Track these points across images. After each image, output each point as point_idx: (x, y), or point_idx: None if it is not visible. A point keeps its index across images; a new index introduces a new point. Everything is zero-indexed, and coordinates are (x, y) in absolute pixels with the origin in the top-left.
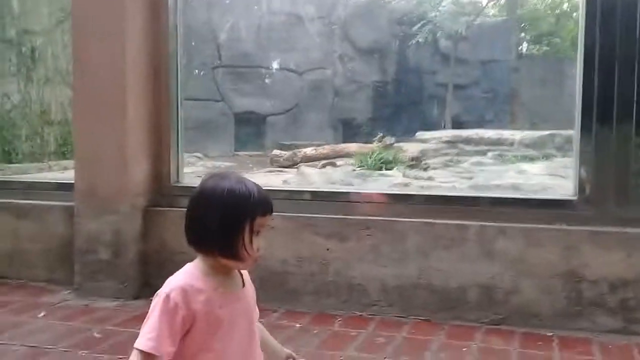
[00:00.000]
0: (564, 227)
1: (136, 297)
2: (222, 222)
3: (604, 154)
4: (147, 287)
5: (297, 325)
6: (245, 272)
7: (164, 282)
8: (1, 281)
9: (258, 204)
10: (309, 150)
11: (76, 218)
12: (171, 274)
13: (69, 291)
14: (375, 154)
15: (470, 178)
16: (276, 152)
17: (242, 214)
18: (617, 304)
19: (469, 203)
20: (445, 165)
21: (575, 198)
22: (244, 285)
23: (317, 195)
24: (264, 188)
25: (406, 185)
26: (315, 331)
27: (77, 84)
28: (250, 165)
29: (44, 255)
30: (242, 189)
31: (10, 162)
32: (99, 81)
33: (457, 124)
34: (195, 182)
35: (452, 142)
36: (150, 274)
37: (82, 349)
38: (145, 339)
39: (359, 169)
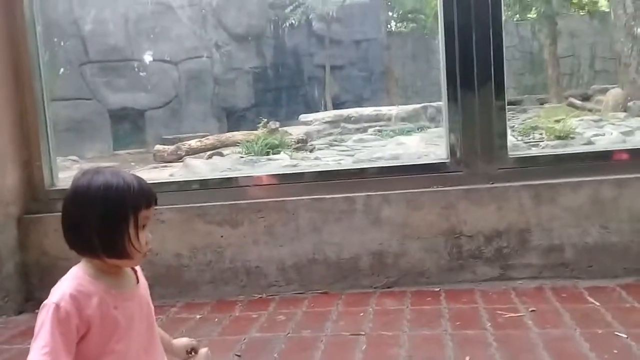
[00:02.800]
0: (441, 188)
1: (19, 312)
2: (103, 221)
3: (470, 118)
4: (31, 300)
5: (198, 316)
6: (137, 267)
7: (48, 292)
8: None
9: (139, 196)
10: (194, 143)
11: None
12: (55, 283)
13: None
14: (261, 140)
15: (353, 155)
16: (159, 147)
17: (123, 209)
18: (494, 254)
19: (354, 176)
20: (330, 145)
21: (448, 161)
22: (138, 281)
23: (205, 184)
24: (148, 182)
25: (294, 166)
26: (216, 319)
27: None
28: (133, 163)
29: None
30: (120, 182)
31: None
32: None
33: (338, 104)
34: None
35: (334, 122)
36: (32, 285)
37: None
38: (39, 355)
39: (246, 156)
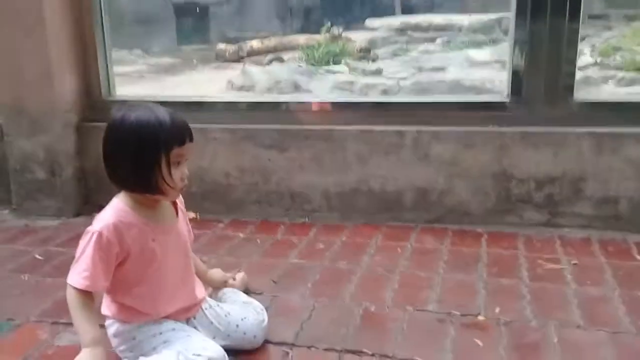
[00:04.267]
0: (496, 128)
1: (77, 215)
2: (135, 158)
3: (537, 50)
4: (88, 203)
5: (242, 235)
6: (179, 201)
7: (103, 197)
8: None
9: (172, 133)
10: (255, 43)
11: (6, 137)
12: (111, 188)
13: (7, 211)
14: (322, 48)
15: (419, 69)
16: (221, 46)
17: (154, 147)
18: (543, 200)
19: (406, 109)
20: (394, 54)
21: (507, 100)
22: (177, 214)
23: (256, 106)
24: (205, 98)
25: (351, 83)
26: (258, 240)
27: None
28: (195, 61)
29: None
30: (152, 119)
31: None
32: None
33: (407, 9)
34: (127, 94)
35: (401, 30)
36: (89, 189)
37: (25, 272)
38: (80, 277)
39: (305, 64)
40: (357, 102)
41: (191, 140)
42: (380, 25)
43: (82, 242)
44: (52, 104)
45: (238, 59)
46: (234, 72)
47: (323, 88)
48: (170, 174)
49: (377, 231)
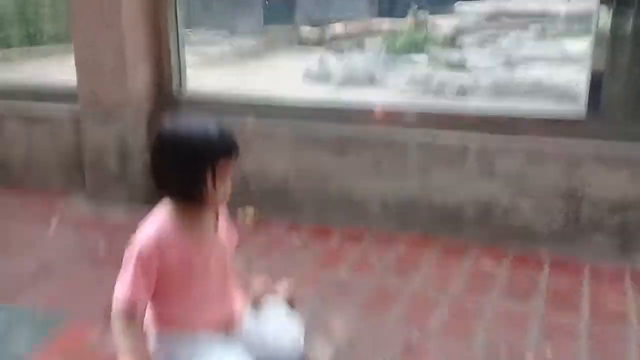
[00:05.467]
0: (568, 139)
1: (146, 203)
2: (182, 169)
3: (619, 59)
4: (157, 192)
5: (296, 240)
6: (221, 212)
7: None
8: (18, 186)
9: (219, 149)
10: (339, 28)
11: (82, 125)
12: None
13: (81, 196)
14: (404, 37)
15: (507, 59)
16: (305, 29)
17: (201, 160)
18: (616, 227)
19: (471, 119)
20: (483, 42)
21: (584, 110)
22: (217, 228)
23: (317, 110)
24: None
25: (427, 76)
26: (313, 248)
27: None
28: (282, 43)
29: (57, 160)
30: (201, 133)
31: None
32: None
33: None
34: (198, 91)
35: (493, 16)
36: None
37: (87, 264)
38: (124, 292)
39: (385, 53)
40: (420, 111)
41: (237, 155)
42: (470, 10)
43: (127, 254)
44: (126, 96)
45: (321, 43)
46: (313, 57)
47: (398, 82)
48: (215, 187)
49: (433, 246)
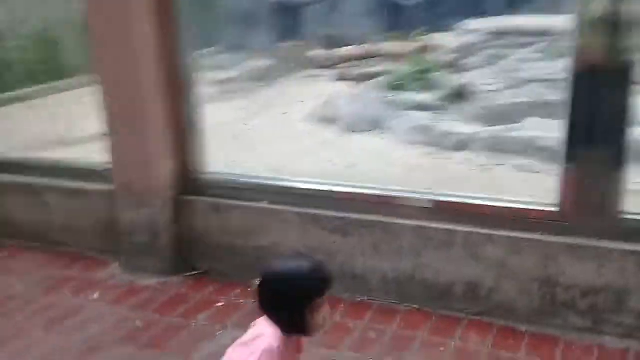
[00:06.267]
0: (544, 237)
1: (174, 273)
2: (287, 307)
3: (586, 172)
4: (182, 264)
5: None
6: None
7: (195, 259)
8: (61, 250)
9: (316, 287)
10: (348, 50)
11: (118, 207)
12: (201, 252)
13: (117, 264)
14: (408, 72)
15: (514, 81)
16: (314, 53)
17: (302, 299)
18: (587, 308)
19: (459, 206)
20: (487, 63)
21: (557, 210)
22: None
23: (324, 194)
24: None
25: (428, 127)
26: None
27: (107, 100)
28: (292, 64)
29: (96, 230)
30: (300, 274)
31: None
32: (121, 97)
33: (508, 8)
34: (216, 174)
35: (498, 34)
36: (184, 252)
37: (127, 343)
38: None
39: (391, 91)
40: (415, 198)
41: (331, 288)
42: (474, 28)
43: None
44: (153, 184)
45: (330, 65)
46: (324, 85)
47: (402, 128)
48: (314, 318)
49: (427, 321)
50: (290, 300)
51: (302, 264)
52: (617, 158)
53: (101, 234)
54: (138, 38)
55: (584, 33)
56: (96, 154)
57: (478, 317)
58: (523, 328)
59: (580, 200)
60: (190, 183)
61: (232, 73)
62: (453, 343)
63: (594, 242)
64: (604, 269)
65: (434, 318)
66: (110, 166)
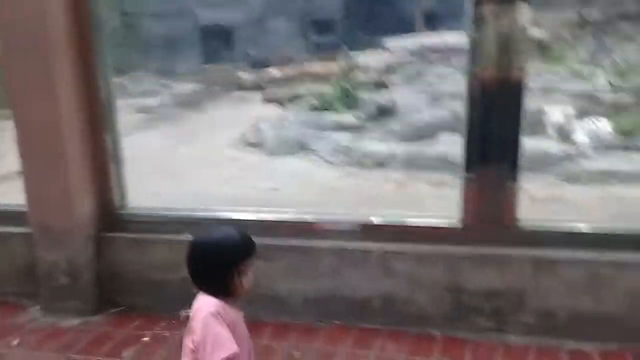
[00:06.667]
0: (449, 248)
1: (96, 312)
2: (217, 270)
3: (482, 185)
4: (105, 302)
5: None
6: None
7: (118, 296)
8: None
9: (243, 250)
10: (275, 72)
11: (35, 248)
12: (124, 288)
13: (37, 307)
14: (334, 93)
15: (432, 94)
16: (242, 75)
17: (231, 261)
18: (492, 310)
19: (372, 228)
20: (409, 79)
21: (460, 226)
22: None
23: (247, 223)
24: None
25: (349, 149)
26: None
27: (21, 138)
28: (218, 88)
29: (14, 274)
30: (228, 240)
31: None
32: (36, 130)
33: (431, 24)
34: (137, 209)
35: (418, 52)
36: (106, 291)
37: None
38: (227, 348)
39: (317, 112)
40: (332, 219)
41: (256, 253)
42: (396, 47)
43: (207, 329)
44: (72, 223)
45: (257, 87)
46: (251, 107)
47: (325, 149)
48: (241, 282)
49: (348, 335)
50: (221, 266)
51: (227, 231)
52: (511, 170)
53: (19, 278)
54: (54, 70)
55: (478, 52)
56: (14, 194)
57: (395, 327)
58: (436, 333)
59: (480, 211)
60: (111, 219)
61: (159, 99)
62: (373, 354)
63: (494, 250)
64: (505, 274)
65: (354, 332)
66: (27, 207)
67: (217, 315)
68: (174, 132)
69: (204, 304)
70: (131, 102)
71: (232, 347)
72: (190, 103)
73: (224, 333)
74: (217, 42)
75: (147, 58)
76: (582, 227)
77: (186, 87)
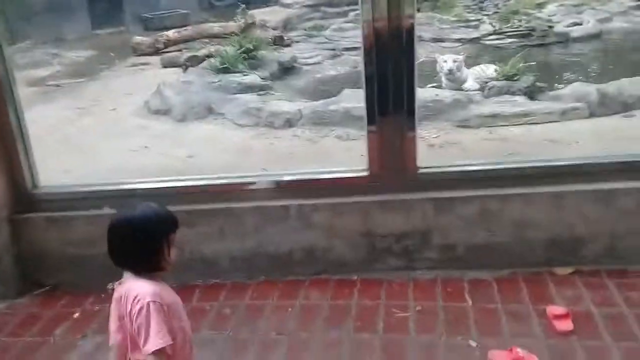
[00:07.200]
0: (360, 199)
1: (21, 295)
2: (143, 246)
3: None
4: (29, 284)
5: None
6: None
7: (42, 276)
8: None
9: (167, 224)
10: (172, 34)
11: None
12: (47, 268)
13: None
14: (235, 49)
15: (333, 49)
16: (137, 39)
17: (157, 235)
18: (401, 250)
19: (290, 185)
20: (308, 36)
21: (367, 174)
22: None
23: (167, 192)
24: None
25: (259, 109)
26: None
27: None
28: (112, 54)
29: None
30: (151, 215)
31: None
32: None
33: None
34: (51, 187)
35: (314, 6)
36: (28, 272)
37: None
38: (158, 339)
39: (218, 73)
40: (250, 180)
41: (178, 226)
42: (292, 1)
43: (141, 317)
44: None
45: (155, 51)
46: (151, 73)
47: (233, 112)
48: (169, 254)
49: (274, 289)
50: (149, 241)
51: (148, 207)
52: (408, 120)
53: None
54: None
55: (369, 3)
56: None
57: (317, 276)
58: (354, 277)
59: (384, 161)
60: (25, 200)
61: (50, 70)
62: (298, 302)
63: (400, 196)
64: (410, 216)
65: (280, 285)
66: None
67: (156, 303)
68: (72, 104)
69: (141, 292)
70: (20, 75)
71: (167, 340)
72: (85, 72)
73: (162, 324)
74: (106, 4)
75: (31, 26)
76: (472, 167)
77: (79, 55)
